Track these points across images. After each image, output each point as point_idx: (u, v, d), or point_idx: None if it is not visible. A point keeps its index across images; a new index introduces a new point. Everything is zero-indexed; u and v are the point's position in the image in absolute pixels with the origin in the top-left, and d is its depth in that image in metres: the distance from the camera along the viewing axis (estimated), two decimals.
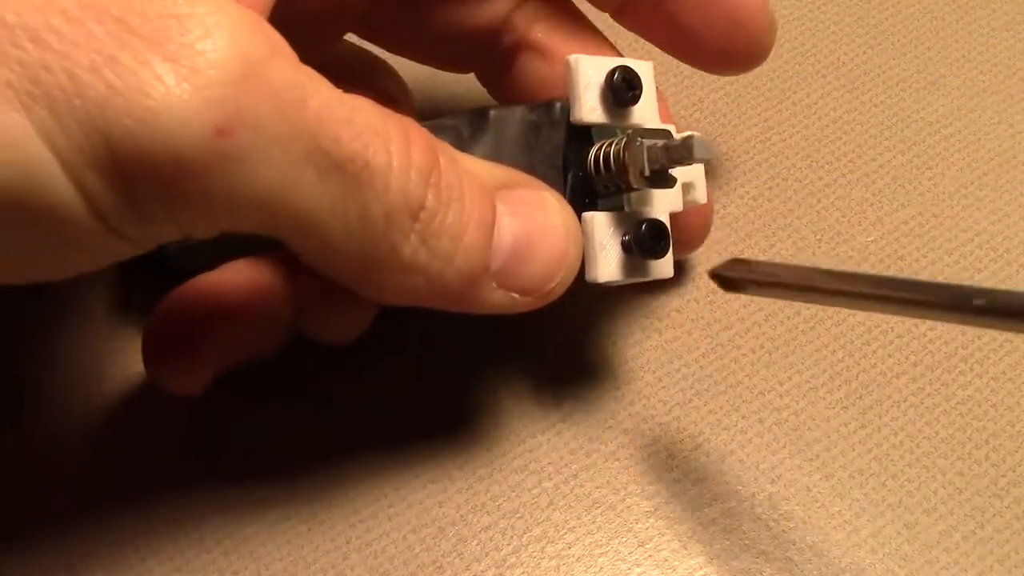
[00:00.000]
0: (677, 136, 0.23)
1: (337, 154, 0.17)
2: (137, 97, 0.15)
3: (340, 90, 0.18)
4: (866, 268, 0.29)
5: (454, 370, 0.27)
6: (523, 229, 0.21)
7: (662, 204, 0.23)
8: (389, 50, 0.27)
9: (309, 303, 0.24)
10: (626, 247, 0.22)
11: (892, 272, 0.29)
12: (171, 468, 0.25)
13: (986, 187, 0.30)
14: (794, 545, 0.25)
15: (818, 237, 0.29)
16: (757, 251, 0.29)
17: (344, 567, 0.24)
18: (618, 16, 0.26)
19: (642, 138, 0.21)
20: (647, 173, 0.21)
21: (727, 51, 0.26)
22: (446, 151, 0.20)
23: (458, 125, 0.23)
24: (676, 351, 0.27)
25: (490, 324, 0.27)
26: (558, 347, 0.27)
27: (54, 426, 0.26)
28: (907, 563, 0.24)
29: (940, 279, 0.29)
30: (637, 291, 0.28)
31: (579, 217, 0.22)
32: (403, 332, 0.27)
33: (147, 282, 0.27)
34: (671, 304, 0.28)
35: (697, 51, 0.26)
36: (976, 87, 0.32)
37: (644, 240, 0.22)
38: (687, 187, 0.24)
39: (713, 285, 0.28)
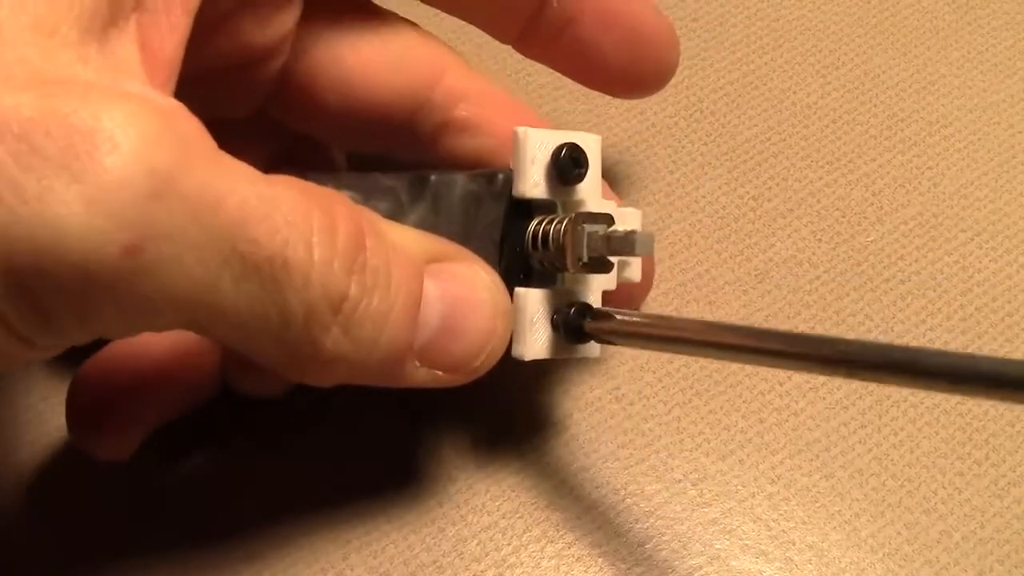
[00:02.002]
0: (618, 215, 0.22)
1: (254, 256, 0.17)
2: (41, 224, 0.15)
3: (260, 177, 0.17)
4: (866, 268, 0.29)
5: None
6: (450, 306, 0.20)
7: (595, 283, 0.23)
8: (305, 129, 0.26)
9: (233, 362, 0.23)
10: (555, 326, 0.22)
11: (893, 272, 0.29)
12: (171, 469, 0.25)
13: (985, 188, 0.30)
14: (794, 545, 0.25)
15: (818, 238, 0.29)
16: (757, 251, 0.29)
17: (344, 567, 0.24)
18: (520, 45, 0.26)
19: (584, 223, 0.21)
20: (585, 260, 0.21)
21: (632, 71, 0.25)
22: (373, 228, 0.19)
23: (396, 188, 0.22)
24: None
25: None
26: None
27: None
28: (907, 563, 0.24)
29: (940, 279, 0.29)
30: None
31: (511, 292, 0.22)
32: None
33: None
34: (671, 304, 0.28)
35: (602, 74, 0.26)
36: (976, 87, 0.32)
37: (571, 325, 0.22)
38: (622, 264, 0.24)
39: (712, 285, 0.28)
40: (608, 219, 0.22)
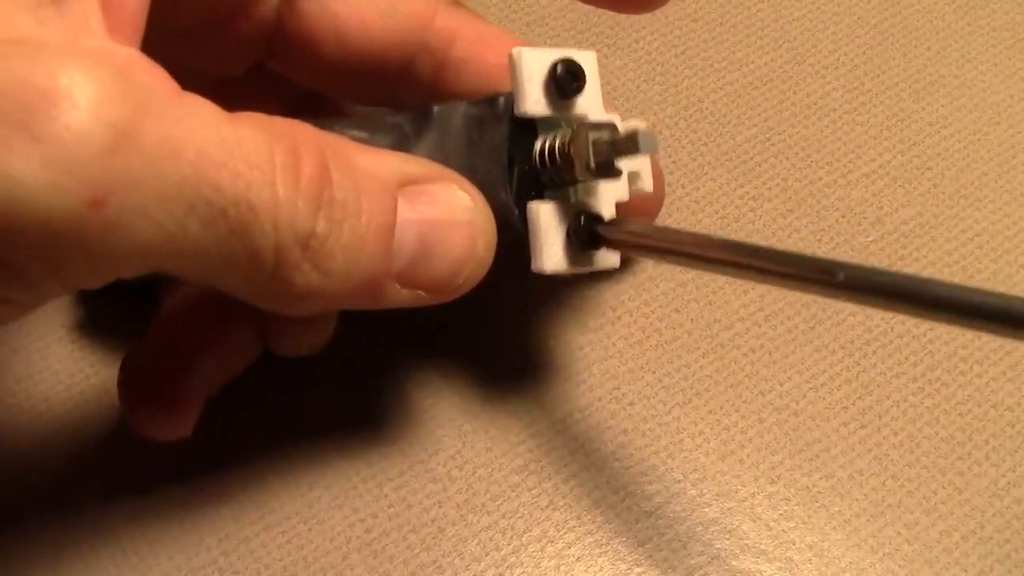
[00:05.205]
0: (622, 126, 0.23)
1: (219, 201, 0.17)
2: (3, 182, 0.15)
3: (223, 120, 0.17)
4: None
5: (455, 371, 0.27)
6: (426, 228, 0.20)
7: (608, 195, 0.23)
8: (308, 83, 0.26)
9: (269, 321, 0.24)
10: (569, 237, 0.22)
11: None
12: (170, 469, 0.25)
13: (986, 187, 0.30)
14: (794, 545, 0.25)
15: (818, 237, 0.29)
16: None
17: (344, 567, 0.24)
18: None
19: (588, 131, 0.21)
20: (592, 166, 0.21)
21: None
22: (341, 158, 0.19)
23: (401, 123, 0.23)
24: (676, 351, 0.27)
25: (489, 325, 0.27)
26: (557, 348, 0.27)
27: (34, 434, 0.26)
28: (907, 563, 0.24)
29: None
30: (594, 282, 0.28)
31: (524, 208, 0.22)
32: (399, 332, 0.27)
33: (104, 300, 0.27)
34: (671, 304, 0.28)
35: None
36: (976, 87, 0.32)
37: (583, 231, 0.22)
38: (633, 176, 0.24)
39: (712, 285, 0.28)
40: (611, 126, 0.22)
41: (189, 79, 0.18)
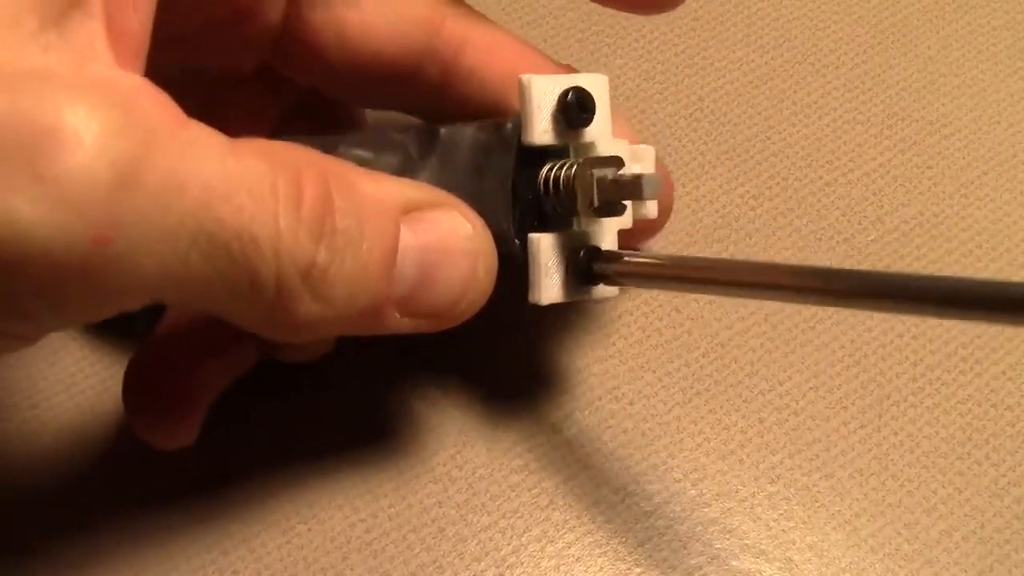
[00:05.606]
0: (630, 152, 0.22)
1: (221, 235, 0.17)
2: (7, 224, 0.15)
3: (227, 149, 0.17)
4: (866, 267, 0.29)
5: (455, 371, 0.27)
6: (428, 255, 0.20)
7: (611, 223, 0.23)
8: (314, 85, 0.26)
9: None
10: (568, 270, 0.22)
11: (894, 270, 0.29)
12: (171, 470, 0.25)
13: (986, 187, 0.30)
14: (794, 545, 0.25)
15: (818, 237, 0.29)
16: (757, 250, 0.29)
17: (344, 567, 0.24)
18: None
19: (592, 168, 0.21)
20: (596, 204, 0.21)
21: None
22: (344, 186, 0.19)
23: (407, 143, 0.23)
24: (676, 351, 0.27)
25: (490, 325, 0.27)
26: (558, 347, 0.27)
27: (38, 435, 0.26)
28: (907, 563, 0.24)
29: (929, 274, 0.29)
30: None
31: (525, 238, 0.22)
32: (400, 335, 0.27)
33: None
34: (671, 304, 0.28)
35: None
36: (976, 87, 0.32)
37: (581, 268, 0.22)
38: (637, 204, 0.24)
39: None
40: (617, 162, 0.22)
41: (192, 77, 0.18)
